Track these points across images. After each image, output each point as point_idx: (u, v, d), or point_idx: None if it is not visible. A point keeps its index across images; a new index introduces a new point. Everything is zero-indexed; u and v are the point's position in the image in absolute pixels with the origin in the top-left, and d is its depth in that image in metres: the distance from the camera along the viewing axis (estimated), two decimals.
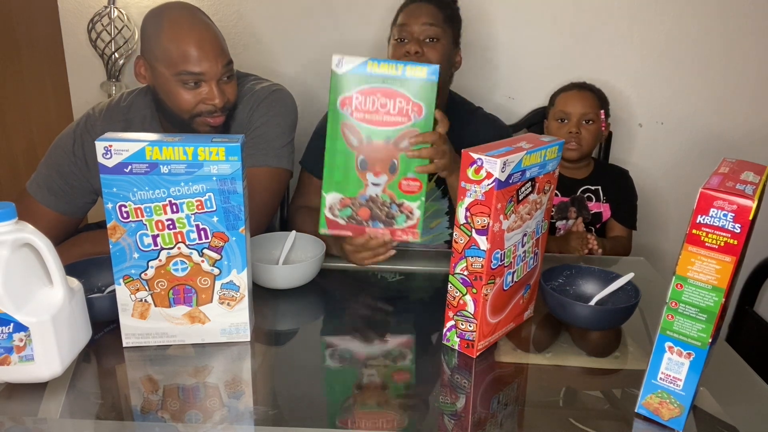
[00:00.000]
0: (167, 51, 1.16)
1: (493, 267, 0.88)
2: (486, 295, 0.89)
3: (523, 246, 0.94)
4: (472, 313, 0.90)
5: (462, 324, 0.91)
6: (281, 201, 1.40)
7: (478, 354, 0.92)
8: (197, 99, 1.19)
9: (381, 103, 0.99)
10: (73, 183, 1.30)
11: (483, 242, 0.86)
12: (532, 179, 0.90)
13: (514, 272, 0.94)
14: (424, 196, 1.03)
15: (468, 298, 0.89)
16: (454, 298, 0.91)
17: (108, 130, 1.28)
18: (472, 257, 0.87)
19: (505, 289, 0.93)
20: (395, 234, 1.05)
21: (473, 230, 0.86)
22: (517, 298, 0.98)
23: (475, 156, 0.83)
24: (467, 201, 0.85)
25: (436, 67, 0.97)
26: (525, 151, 0.86)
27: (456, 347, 0.93)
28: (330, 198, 1.03)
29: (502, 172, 0.82)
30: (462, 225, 0.87)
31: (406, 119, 1.00)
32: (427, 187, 1.11)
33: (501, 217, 0.86)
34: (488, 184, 0.83)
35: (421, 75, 0.97)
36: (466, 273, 0.89)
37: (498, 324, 0.95)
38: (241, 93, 1.32)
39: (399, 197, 1.03)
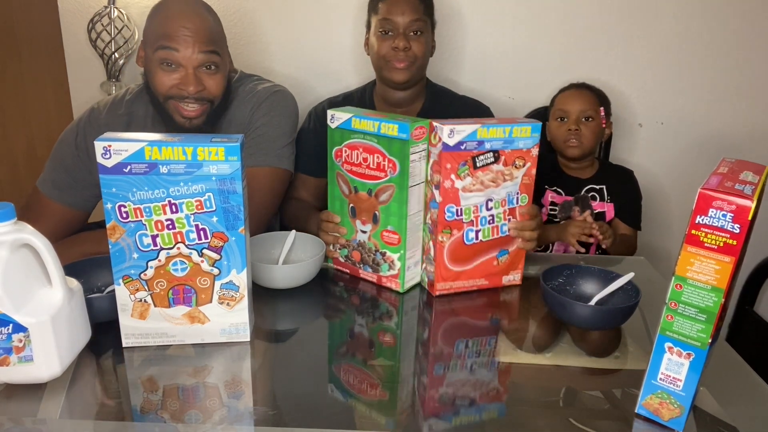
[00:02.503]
0: (153, 31, 1.20)
1: (448, 219, 1.05)
2: (442, 242, 1.06)
3: (488, 210, 1.08)
4: (433, 256, 1.08)
5: (428, 266, 1.11)
6: (281, 199, 1.40)
7: (438, 293, 1.09)
8: (171, 82, 1.20)
9: (363, 158, 1.11)
10: (77, 176, 1.31)
11: (437, 195, 1.05)
12: (495, 151, 1.04)
13: (478, 231, 1.08)
14: (404, 249, 1.10)
15: (431, 244, 1.09)
16: (425, 243, 1.11)
17: (111, 122, 1.31)
18: (432, 209, 1.07)
19: (466, 243, 1.08)
20: (381, 280, 1.15)
21: (432, 186, 1.06)
22: (487, 257, 1.11)
23: (435, 124, 1.03)
24: (430, 161, 1.06)
25: (407, 125, 1.04)
26: (480, 124, 1.02)
27: (426, 286, 1.12)
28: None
29: (449, 137, 1.01)
30: (427, 182, 1.08)
31: (383, 174, 1.09)
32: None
33: (452, 176, 1.03)
34: (439, 147, 1.02)
35: (393, 133, 1.05)
36: (429, 222, 1.09)
37: (462, 273, 1.10)
38: (242, 93, 1.32)
39: (382, 247, 1.12)
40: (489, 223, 1.09)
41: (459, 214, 1.06)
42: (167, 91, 1.21)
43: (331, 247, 1.19)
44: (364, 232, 1.14)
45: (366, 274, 1.16)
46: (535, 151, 1.08)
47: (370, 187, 1.11)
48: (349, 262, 1.17)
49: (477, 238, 1.09)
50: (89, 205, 1.36)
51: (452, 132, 1.00)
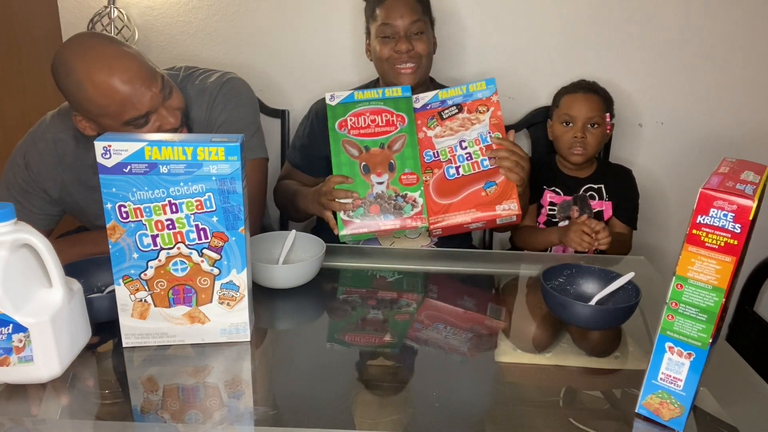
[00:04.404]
0: (103, 107, 1.08)
1: (427, 161, 1.25)
2: (427, 181, 1.24)
3: (463, 148, 1.25)
4: (424, 199, 1.24)
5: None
6: (266, 189, 1.40)
7: (432, 228, 1.22)
8: (154, 130, 1.13)
9: (371, 120, 1.25)
10: (32, 195, 1.26)
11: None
12: (458, 104, 1.27)
13: (458, 167, 1.24)
14: (422, 186, 1.24)
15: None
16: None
17: (58, 132, 1.25)
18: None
19: (448, 178, 1.24)
20: (406, 224, 1.22)
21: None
22: (473, 189, 1.23)
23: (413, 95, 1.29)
24: None
25: (408, 86, 1.28)
26: (439, 89, 1.29)
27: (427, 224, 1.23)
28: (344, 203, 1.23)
29: (416, 102, 1.28)
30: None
31: (393, 128, 1.25)
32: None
33: (423, 128, 1.27)
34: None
35: (398, 94, 1.28)
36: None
37: (451, 206, 1.23)
38: (193, 91, 1.27)
39: (402, 190, 1.23)
40: (467, 160, 1.24)
41: (436, 155, 1.25)
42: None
43: (342, 214, 1.20)
44: (381, 183, 1.23)
45: (387, 223, 1.21)
46: (495, 98, 1.26)
47: (382, 142, 1.24)
48: (367, 219, 1.22)
49: (458, 173, 1.24)
50: (52, 221, 1.32)
51: (417, 99, 1.28)
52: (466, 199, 1.22)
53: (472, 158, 1.24)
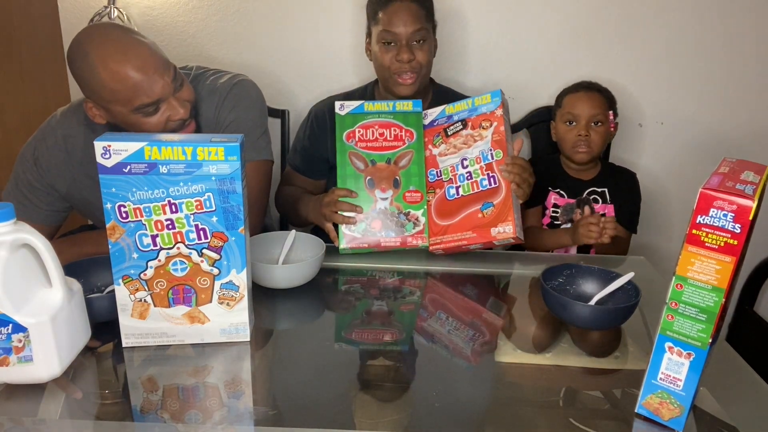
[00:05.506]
0: (115, 92, 1.09)
1: (431, 181, 1.26)
2: (429, 201, 1.25)
3: (464, 168, 1.23)
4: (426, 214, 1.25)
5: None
6: (269, 191, 1.40)
7: (432, 248, 1.23)
8: (163, 120, 1.14)
9: (379, 133, 1.25)
10: (40, 191, 1.26)
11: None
12: (463, 120, 1.26)
13: (458, 187, 1.24)
14: (426, 205, 1.25)
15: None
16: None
17: (68, 128, 1.25)
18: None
19: (448, 198, 1.24)
20: (407, 241, 1.23)
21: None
22: (471, 210, 1.22)
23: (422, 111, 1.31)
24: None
25: (419, 101, 1.30)
26: (446, 105, 1.29)
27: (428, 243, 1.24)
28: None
29: (424, 118, 1.29)
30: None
31: (401, 143, 1.26)
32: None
33: (430, 146, 1.28)
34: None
35: (408, 108, 1.29)
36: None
37: (449, 227, 1.22)
38: (203, 90, 1.28)
39: (405, 207, 1.24)
40: (467, 179, 1.23)
41: (439, 175, 1.25)
42: (163, 129, 1.15)
43: (344, 227, 1.21)
44: (385, 198, 1.23)
45: (388, 240, 1.22)
46: (499, 112, 1.23)
47: (388, 157, 1.24)
48: (369, 234, 1.22)
49: (458, 193, 1.23)
50: (60, 217, 1.32)
51: (426, 114, 1.30)
52: (464, 220, 1.21)
53: (471, 177, 1.23)
